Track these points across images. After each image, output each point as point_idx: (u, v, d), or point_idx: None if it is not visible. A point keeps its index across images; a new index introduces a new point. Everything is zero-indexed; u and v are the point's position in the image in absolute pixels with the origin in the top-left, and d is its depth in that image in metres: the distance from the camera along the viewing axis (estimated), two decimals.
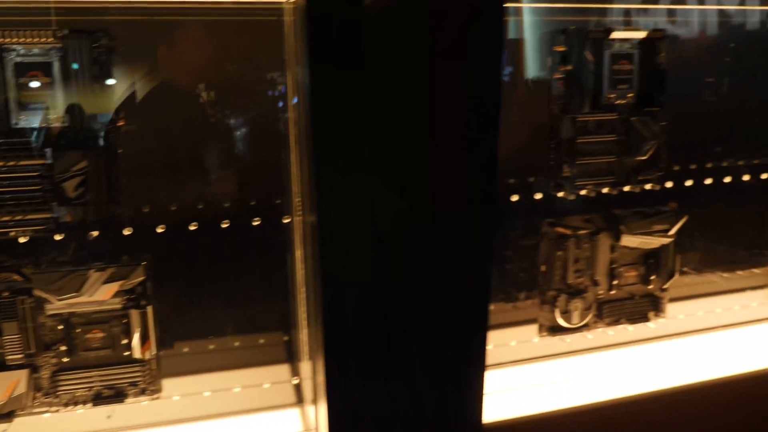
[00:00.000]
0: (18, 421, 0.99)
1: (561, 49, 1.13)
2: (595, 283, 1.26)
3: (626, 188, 1.24)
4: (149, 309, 1.01)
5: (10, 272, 0.96)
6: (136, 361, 1.02)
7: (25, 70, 0.92)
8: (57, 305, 0.97)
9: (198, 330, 1.17)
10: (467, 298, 0.89)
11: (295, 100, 0.99)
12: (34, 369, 0.99)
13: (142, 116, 1.04)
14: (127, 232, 1.04)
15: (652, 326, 1.32)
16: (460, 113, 0.82)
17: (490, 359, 1.19)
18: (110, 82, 0.96)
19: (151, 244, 1.05)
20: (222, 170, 1.12)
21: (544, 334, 1.25)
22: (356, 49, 0.78)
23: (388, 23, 0.79)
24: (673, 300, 1.41)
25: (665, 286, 1.30)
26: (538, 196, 1.23)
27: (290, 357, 1.19)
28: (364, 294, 0.86)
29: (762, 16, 1.48)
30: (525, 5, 1.21)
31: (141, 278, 1.00)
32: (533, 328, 1.26)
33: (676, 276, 1.29)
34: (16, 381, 0.97)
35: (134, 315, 1.00)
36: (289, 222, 1.10)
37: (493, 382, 1.20)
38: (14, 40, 0.90)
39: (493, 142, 0.84)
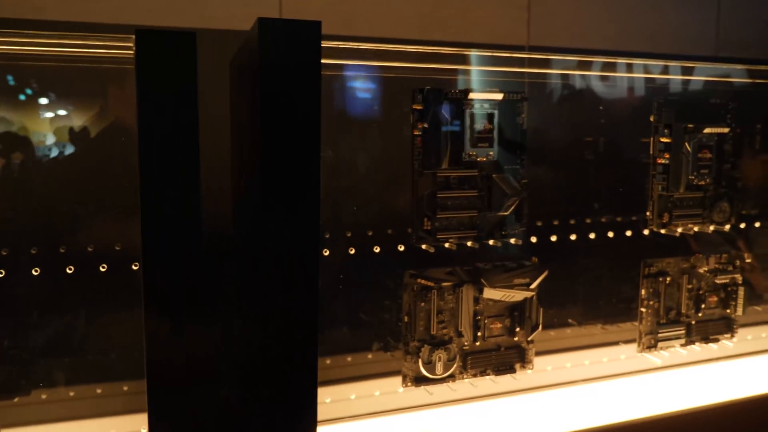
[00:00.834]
0: None
1: (418, 107, 1.17)
2: (459, 335, 1.28)
3: (490, 242, 1.28)
4: None
5: None
6: None
7: None
8: None
9: None
10: (294, 351, 0.90)
11: None
12: None
13: None
14: None
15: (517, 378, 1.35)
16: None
17: (350, 410, 1.20)
18: None
19: None
20: None
21: (408, 384, 1.26)
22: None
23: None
24: (543, 353, 1.45)
25: (530, 338, 1.33)
26: (401, 248, 1.26)
27: None
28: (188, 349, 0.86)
29: (632, 82, 1.58)
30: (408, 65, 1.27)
31: None
32: (398, 380, 1.27)
33: (540, 329, 1.33)
34: None
35: None
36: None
37: None
38: None
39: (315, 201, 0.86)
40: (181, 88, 0.83)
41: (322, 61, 0.95)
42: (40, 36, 1.03)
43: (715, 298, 1.55)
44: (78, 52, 1.06)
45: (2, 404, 1.13)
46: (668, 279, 1.49)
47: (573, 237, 1.46)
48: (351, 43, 1.17)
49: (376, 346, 1.31)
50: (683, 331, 1.51)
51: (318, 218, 0.87)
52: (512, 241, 1.30)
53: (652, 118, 1.45)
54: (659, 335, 1.49)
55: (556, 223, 1.46)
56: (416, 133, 1.18)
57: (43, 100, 1.13)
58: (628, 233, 1.51)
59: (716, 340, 1.56)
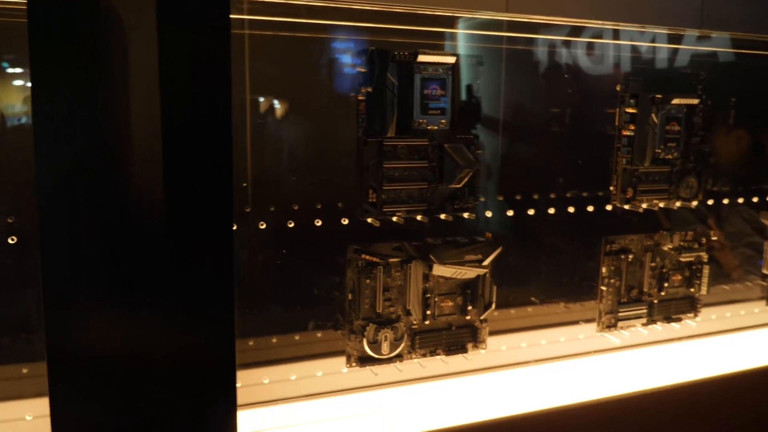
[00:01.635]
0: None
1: (362, 70, 1.09)
2: (408, 313, 1.22)
3: (442, 216, 1.21)
4: None
5: None
6: None
7: None
8: None
9: None
10: (210, 329, 0.83)
11: None
12: None
13: None
14: None
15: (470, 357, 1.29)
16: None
17: (290, 391, 1.14)
18: None
19: None
20: None
21: (353, 365, 1.20)
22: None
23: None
24: (500, 332, 1.40)
25: (483, 317, 1.27)
26: (345, 221, 1.19)
27: None
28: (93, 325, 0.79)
29: (603, 50, 1.50)
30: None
31: None
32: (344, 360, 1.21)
33: (493, 307, 1.27)
34: None
35: None
36: None
37: (290, 415, 1.15)
38: None
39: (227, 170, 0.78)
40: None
41: (264, 18, 0.88)
42: None
43: (679, 277, 1.49)
44: None
45: None
46: (630, 257, 1.43)
47: (532, 212, 1.40)
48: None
49: (312, 324, 1.25)
50: (645, 311, 1.46)
51: (231, 196, 0.79)
52: (465, 215, 1.23)
53: (618, 88, 1.37)
54: (620, 314, 1.44)
55: (518, 198, 1.39)
56: (360, 98, 1.10)
57: None
58: (590, 209, 1.45)
59: (679, 320, 1.51)
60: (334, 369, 1.21)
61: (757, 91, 1.77)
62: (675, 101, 1.38)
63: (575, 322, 1.50)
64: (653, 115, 1.37)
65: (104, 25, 0.74)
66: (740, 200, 1.72)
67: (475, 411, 1.20)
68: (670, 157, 1.42)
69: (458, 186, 1.20)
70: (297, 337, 1.30)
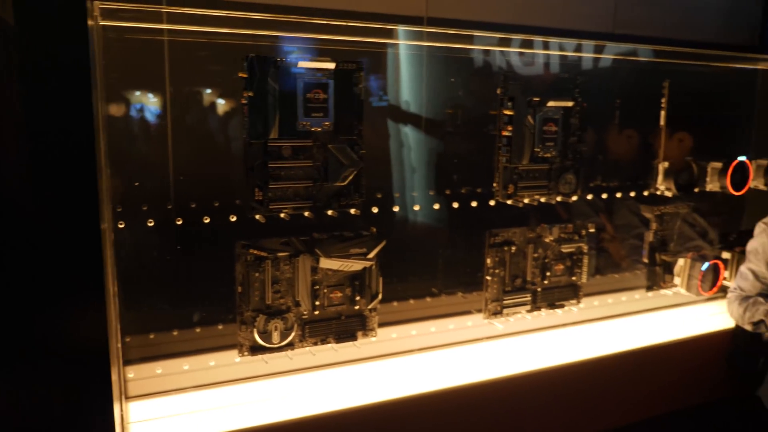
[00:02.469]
0: None
1: (244, 75, 1.15)
2: (297, 304, 1.29)
3: (328, 212, 1.29)
4: None
5: None
6: None
7: None
8: None
9: None
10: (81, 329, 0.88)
11: None
12: None
13: None
14: None
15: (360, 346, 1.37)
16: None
17: (182, 383, 1.20)
18: None
19: None
20: None
21: (245, 354, 1.26)
22: None
23: None
24: (392, 323, 1.49)
25: (371, 307, 1.36)
26: (233, 218, 1.25)
27: None
28: None
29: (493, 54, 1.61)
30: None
31: None
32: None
33: (380, 297, 1.35)
34: None
35: None
36: None
37: (183, 404, 1.20)
38: None
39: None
40: None
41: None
42: None
43: (561, 266, 1.61)
44: None
45: None
46: (513, 248, 1.54)
47: (417, 207, 1.49)
48: (175, 8, 1.14)
49: (196, 316, 1.31)
50: (529, 298, 1.57)
51: (96, 194, 0.84)
52: (352, 211, 1.31)
53: (498, 91, 1.48)
54: (505, 302, 1.54)
55: (414, 194, 1.48)
56: (243, 102, 1.17)
57: None
58: (473, 204, 1.55)
59: (562, 306, 1.63)
60: (229, 360, 1.27)
61: (639, 93, 1.91)
62: (550, 103, 1.50)
63: (467, 312, 1.60)
64: (529, 117, 1.47)
65: None
66: (629, 194, 1.86)
67: (363, 396, 1.28)
68: (548, 155, 1.53)
69: (343, 184, 1.28)
70: (198, 330, 1.35)
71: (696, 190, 1.86)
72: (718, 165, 1.82)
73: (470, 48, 1.57)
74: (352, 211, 1.31)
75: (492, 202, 1.54)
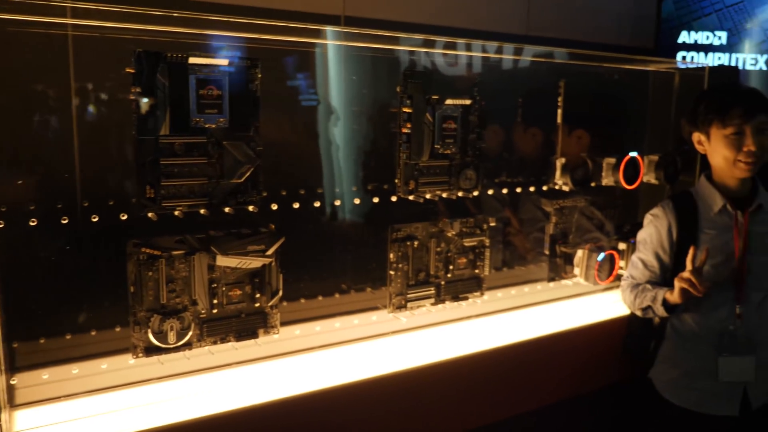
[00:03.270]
0: None
1: (131, 71, 1.13)
2: (194, 303, 1.27)
3: (226, 210, 1.28)
4: None
5: None
6: None
7: None
8: None
9: None
10: None
11: None
12: None
13: None
14: None
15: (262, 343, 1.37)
16: None
17: (77, 387, 1.16)
18: None
19: None
20: None
21: (139, 355, 1.24)
22: None
23: None
24: (297, 321, 1.49)
25: (271, 304, 1.35)
26: (124, 216, 1.23)
27: None
28: None
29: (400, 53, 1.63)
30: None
31: None
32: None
33: (280, 293, 1.35)
34: None
35: None
36: None
37: (73, 410, 1.17)
38: None
39: None
40: None
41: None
42: None
43: (464, 260, 1.66)
44: None
45: None
46: (416, 243, 1.57)
47: (318, 204, 1.50)
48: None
49: (82, 318, 1.27)
50: (433, 291, 1.61)
51: None
52: (250, 208, 1.30)
53: (398, 89, 1.51)
54: (409, 296, 1.57)
55: (320, 191, 1.49)
56: (131, 98, 1.14)
57: None
58: (376, 200, 1.58)
59: (466, 299, 1.67)
60: (124, 363, 1.24)
61: (541, 92, 1.99)
62: (449, 101, 1.54)
63: (374, 308, 1.62)
64: (428, 115, 1.51)
65: None
66: (530, 189, 1.93)
67: (263, 394, 1.27)
68: (448, 152, 1.57)
69: (240, 181, 1.27)
70: (93, 334, 1.31)
71: (592, 184, 1.95)
72: (612, 160, 1.92)
73: (375, 47, 1.60)
74: (250, 208, 1.30)
75: (394, 198, 1.57)
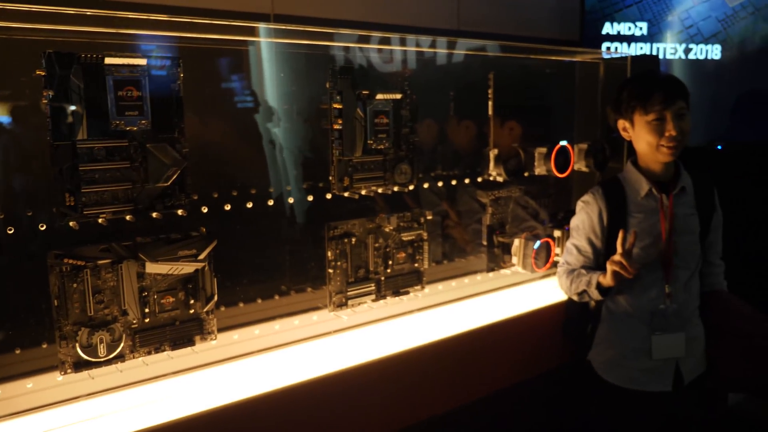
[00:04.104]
0: None
1: (42, 73, 1.08)
2: (125, 313, 1.22)
3: (153, 215, 1.23)
4: None
5: None
6: None
7: None
8: None
9: None
10: None
11: None
12: None
13: None
14: None
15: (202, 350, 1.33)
16: None
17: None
18: None
19: None
20: None
21: (68, 371, 1.18)
22: None
23: None
24: (236, 326, 1.45)
25: (207, 309, 1.32)
26: (42, 227, 1.17)
27: None
28: None
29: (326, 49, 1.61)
30: None
31: None
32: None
33: (216, 298, 1.32)
34: None
35: None
36: None
37: None
38: None
39: None
40: None
41: None
42: None
43: (403, 254, 1.65)
44: None
45: None
46: (354, 240, 1.55)
47: (250, 205, 1.47)
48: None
49: (3, 335, 1.21)
50: (373, 287, 1.60)
51: None
52: (179, 212, 1.26)
53: (327, 85, 1.49)
54: (349, 293, 1.56)
55: (253, 192, 1.46)
56: (44, 101, 1.09)
57: None
58: (310, 198, 1.56)
59: (406, 293, 1.67)
60: (52, 381, 1.18)
61: (472, 85, 2.01)
62: (379, 96, 1.53)
63: (316, 308, 1.60)
64: (359, 110, 1.50)
65: None
66: (465, 181, 1.95)
67: (202, 403, 1.23)
68: (381, 147, 1.56)
69: (167, 184, 1.23)
70: (18, 352, 1.25)
71: (525, 174, 1.99)
72: (544, 150, 1.96)
73: (304, 44, 1.57)
74: (179, 212, 1.26)
75: (329, 196, 1.55)
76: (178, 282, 1.28)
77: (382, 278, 1.62)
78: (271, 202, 1.50)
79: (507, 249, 1.98)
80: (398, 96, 1.58)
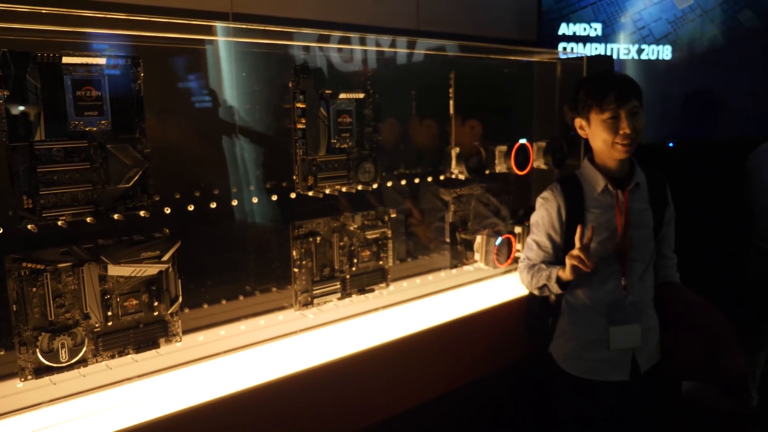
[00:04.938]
0: None
1: None
2: (87, 317, 1.20)
3: (115, 216, 1.22)
4: None
5: None
6: None
7: None
8: None
9: None
10: None
11: None
12: None
13: None
14: None
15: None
16: None
17: None
18: None
19: None
20: None
21: (29, 377, 1.16)
22: None
23: None
24: (201, 328, 1.45)
25: (171, 311, 1.31)
26: None
27: None
28: None
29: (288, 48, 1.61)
30: None
31: None
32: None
33: (180, 300, 1.31)
34: None
35: None
36: None
37: None
38: None
39: None
40: None
41: None
42: None
43: (368, 252, 1.67)
44: None
45: None
46: (318, 239, 1.56)
47: (214, 205, 1.46)
48: None
49: None
50: (339, 286, 1.61)
51: None
52: (141, 213, 1.25)
53: (290, 85, 1.49)
54: (315, 292, 1.56)
55: (216, 192, 1.45)
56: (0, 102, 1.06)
57: None
58: (274, 197, 1.56)
59: (372, 291, 1.69)
60: (11, 389, 1.16)
61: (433, 85, 2.03)
62: (342, 96, 1.54)
63: (282, 308, 1.60)
64: (322, 109, 1.50)
65: None
66: (428, 179, 1.97)
67: (167, 405, 1.22)
68: (345, 146, 1.57)
69: (128, 185, 1.22)
70: None
71: (486, 172, 2.02)
72: (504, 148, 1.99)
73: (266, 43, 1.57)
74: (142, 213, 1.25)
75: (293, 195, 1.55)
76: (141, 284, 1.27)
77: (348, 276, 1.63)
78: (234, 203, 1.50)
79: (469, 246, 2.01)
80: (361, 95, 1.59)
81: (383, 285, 1.72)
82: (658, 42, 2.95)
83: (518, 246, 2.03)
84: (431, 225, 2.02)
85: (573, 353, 1.65)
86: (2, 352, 1.23)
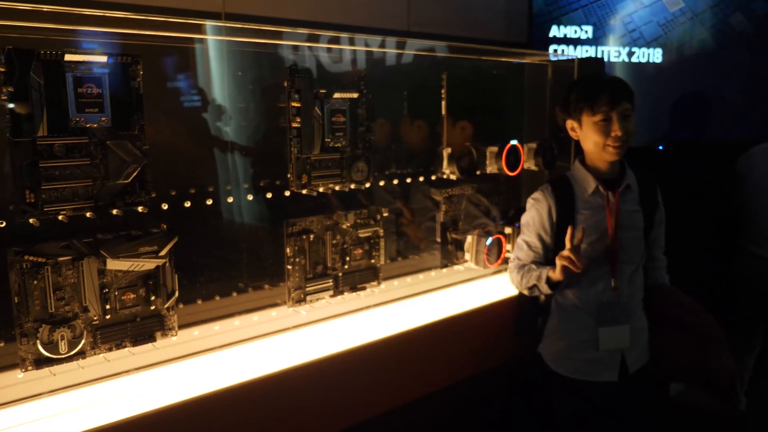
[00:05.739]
0: None
1: (2, 69, 1.07)
2: (85, 310, 1.23)
3: (114, 212, 1.24)
4: None
5: None
6: None
7: None
8: None
9: None
10: None
11: None
12: None
13: None
14: None
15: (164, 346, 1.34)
16: None
17: None
18: None
19: None
20: None
21: (29, 368, 1.18)
22: None
23: None
24: (198, 323, 1.47)
25: (168, 306, 1.33)
26: (2, 224, 1.16)
27: None
28: None
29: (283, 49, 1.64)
30: None
31: None
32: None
33: (177, 295, 1.33)
34: None
35: None
36: None
37: None
38: None
39: None
40: None
41: None
42: None
43: (360, 251, 1.69)
44: None
45: None
46: (312, 237, 1.59)
47: (209, 202, 1.49)
48: None
49: None
50: (331, 284, 1.64)
51: None
52: (139, 209, 1.27)
53: (286, 84, 1.52)
54: (307, 289, 1.59)
55: (211, 189, 1.47)
56: (3, 98, 1.08)
57: None
58: (268, 195, 1.58)
59: (363, 289, 1.71)
60: (12, 379, 1.18)
61: (425, 85, 2.06)
62: (336, 95, 1.57)
63: (275, 304, 1.62)
64: (317, 109, 1.53)
65: None
66: (419, 179, 2.00)
67: (164, 398, 1.24)
68: (339, 145, 1.60)
69: (127, 181, 1.24)
70: None
71: (477, 172, 2.05)
72: (495, 149, 2.03)
73: (260, 42, 1.60)
74: (140, 209, 1.27)
75: (287, 193, 1.58)
76: (138, 279, 1.29)
77: (340, 274, 1.66)
78: (230, 200, 1.52)
79: (460, 246, 2.04)
80: (355, 95, 1.61)
81: (375, 283, 1.74)
82: (648, 45, 3.00)
83: (508, 246, 2.06)
84: (422, 225, 2.05)
85: (562, 353, 1.68)
86: (2, 344, 1.24)
